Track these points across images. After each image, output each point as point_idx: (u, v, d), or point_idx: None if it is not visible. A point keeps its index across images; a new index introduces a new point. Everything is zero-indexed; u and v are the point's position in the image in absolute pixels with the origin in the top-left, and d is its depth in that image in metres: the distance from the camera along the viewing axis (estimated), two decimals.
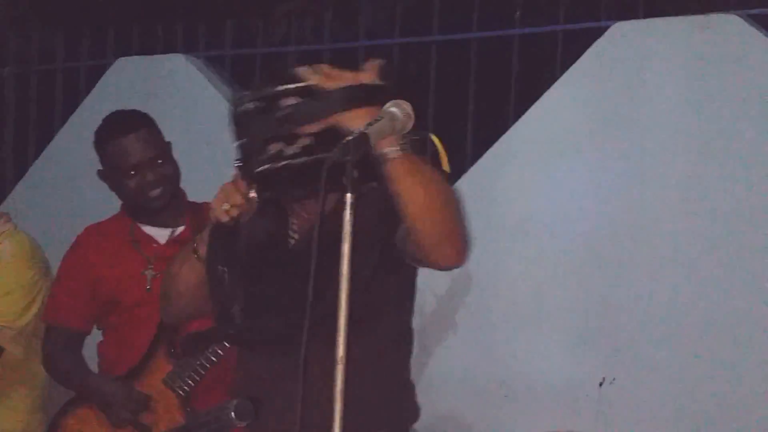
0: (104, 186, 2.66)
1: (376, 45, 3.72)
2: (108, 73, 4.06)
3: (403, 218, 1.69)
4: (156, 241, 2.58)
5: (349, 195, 1.53)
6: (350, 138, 1.55)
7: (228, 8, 4.35)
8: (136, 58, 4.03)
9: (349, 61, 1.81)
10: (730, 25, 3.01)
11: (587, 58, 3.16)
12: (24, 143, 4.50)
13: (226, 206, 1.76)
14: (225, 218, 1.77)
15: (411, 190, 1.65)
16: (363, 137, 1.55)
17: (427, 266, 1.78)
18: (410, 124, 1.63)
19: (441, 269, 1.80)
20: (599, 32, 3.18)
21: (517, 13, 3.35)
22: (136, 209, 2.59)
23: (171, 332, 2.44)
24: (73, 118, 4.15)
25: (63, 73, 4.38)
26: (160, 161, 2.53)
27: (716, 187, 2.96)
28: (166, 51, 4.02)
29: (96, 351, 2.63)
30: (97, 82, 4.12)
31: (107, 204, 3.72)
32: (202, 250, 1.85)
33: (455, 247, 1.70)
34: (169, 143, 2.61)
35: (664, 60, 3.06)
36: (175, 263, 1.92)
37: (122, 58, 4.04)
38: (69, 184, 4.00)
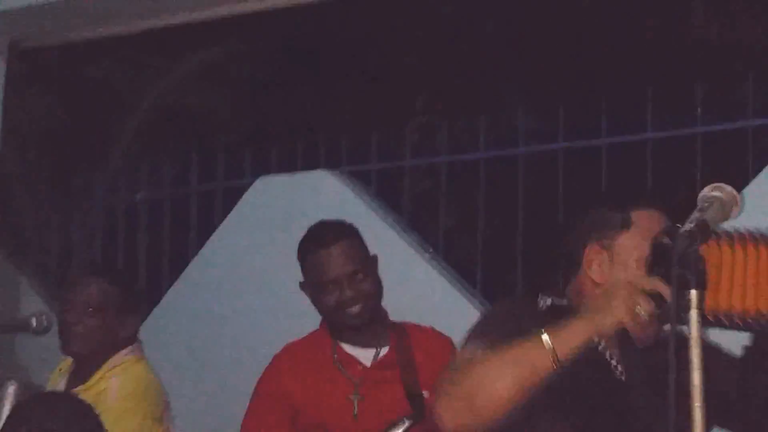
0: (242, 317, 2.61)
1: (535, 151, 3.61)
2: (247, 193, 4.04)
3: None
4: (361, 363, 2.48)
5: (694, 291, 1.44)
6: (690, 227, 1.47)
7: (370, 120, 4.34)
8: (276, 176, 4.01)
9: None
10: None
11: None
12: (158, 271, 4.50)
13: (642, 311, 1.61)
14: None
15: None
16: (703, 224, 1.48)
17: None
18: (737, 209, 1.55)
19: None
20: None
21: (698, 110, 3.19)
22: (337, 327, 2.51)
23: None
24: (209, 244, 4.13)
25: (198, 197, 4.40)
26: (360, 276, 2.47)
27: None
28: (307, 168, 3.99)
29: None
30: (234, 204, 4.11)
31: (246, 335, 3.69)
32: (565, 353, 1.65)
33: None
34: (374, 257, 2.55)
35: None
36: (499, 366, 1.68)
37: (262, 177, 4.02)
38: (205, 314, 3.94)
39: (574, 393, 1.71)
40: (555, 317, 1.76)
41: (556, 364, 1.63)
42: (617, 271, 1.78)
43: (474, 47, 4.69)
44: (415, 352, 2.45)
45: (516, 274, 3.52)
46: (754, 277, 1.56)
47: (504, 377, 1.64)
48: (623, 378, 1.75)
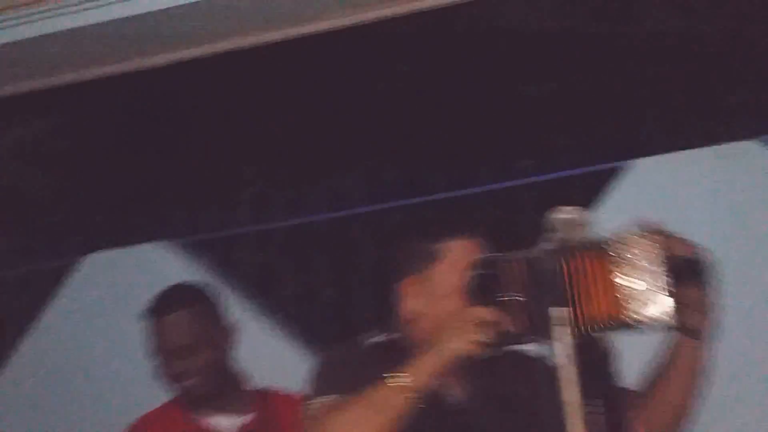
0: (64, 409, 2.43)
1: (372, 211, 3.65)
2: (75, 272, 3.88)
3: (662, 411, 1.75)
4: None
5: (557, 309, 1.48)
6: (545, 247, 1.51)
7: (203, 190, 4.28)
8: (107, 252, 3.87)
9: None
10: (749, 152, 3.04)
11: (606, 199, 3.13)
12: None
13: (483, 338, 1.65)
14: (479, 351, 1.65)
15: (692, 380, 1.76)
16: (560, 242, 1.53)
17: None
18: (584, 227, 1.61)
19: None
20: (616, 173, 3.17)
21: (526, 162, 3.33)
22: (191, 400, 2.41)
23: None
24: (32, 330, 3.92)
25: (18, 280, 4.18)
26: (200, 348, 2.38)
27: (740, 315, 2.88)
28: (139, 241, 3.88)
29: None
30: (59, 285, 3.94)
31: (83, 415, 3.51)
32: (421, 385, 1.65)
33: None
34: (223, 327, 2.46)
35: (688, 193, 3.05)
36: (361, 414, 1.68)
37: (92, 254, 3.88)
38: (24, 413, 3.72)
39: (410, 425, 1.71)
40: (389, 352, 1.81)
41: (413, 401, 1.65)
42: (435, 301, 1.83)
43: (306, 116, 4.73)
44: (280, 418, 2.39)
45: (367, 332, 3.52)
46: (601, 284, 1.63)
47: (368, 424, 1.65)
48: (457, 401, 1.78)
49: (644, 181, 3.12)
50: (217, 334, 2.44)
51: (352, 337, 1.92)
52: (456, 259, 1.83)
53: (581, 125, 3.54)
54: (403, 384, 1.65)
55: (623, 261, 1.63)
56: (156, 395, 2.49)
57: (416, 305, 1.85)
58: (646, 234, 1.65)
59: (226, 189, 4.49)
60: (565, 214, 1.61)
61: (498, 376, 1.80)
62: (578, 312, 1.63)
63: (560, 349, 1.48)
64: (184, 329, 2.38)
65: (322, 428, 1.70)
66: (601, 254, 1.64)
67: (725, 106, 3.50)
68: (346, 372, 1.79)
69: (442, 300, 1.81)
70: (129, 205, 4.21)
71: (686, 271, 1.68)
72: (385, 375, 1.68)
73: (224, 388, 2.41)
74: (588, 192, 3.22)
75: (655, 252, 1.63)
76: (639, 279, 1.62)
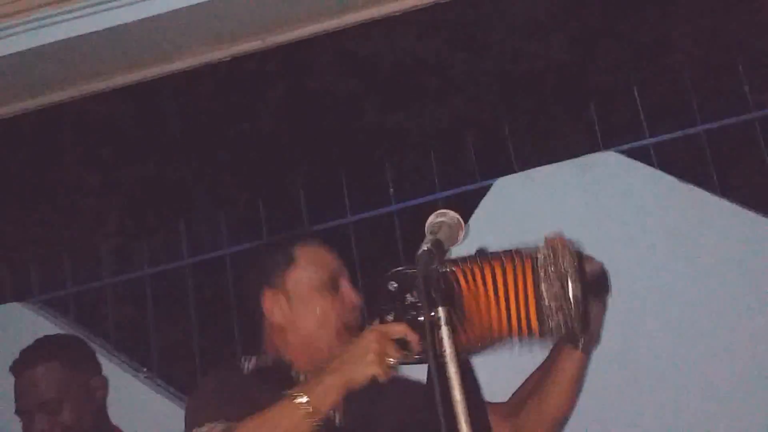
0: None
1: (239, 251, 3.56)
2: None
3: (539, 416, 1.80)
4: None
5: (441, 309, 1.48)
6: (427, 247, 1.51)
7: (60, 244, 4.10)
8: None
9: None
10: (609, 161, 3.10)
11: (476, 219, 3.13)
12: None
13: (392, 361, 1.62)
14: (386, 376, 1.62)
15: (573, 388, 1.80)
16: (437, 242, 1.53)
17: None
18: (462, 233, 1.61)
19: None
20: (482, 193, 3.18)
21: (391, 189, 3.31)
22: None
23: None
24: None
25: None
26: (62, 404, 2.25)
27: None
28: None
29: None
30: None
31: None
32: (325, 409, 1.60)
33: None
34: (93, 379, 2.33)
35: (553, 207, 3.08)
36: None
37: None
38: None
39: None
40: (270, 375, 1.76)
41: (314, 423, 1.60)
42: (297, 307, 1.80)
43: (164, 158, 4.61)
44: None
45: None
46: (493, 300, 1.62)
47: None
48: (342, 423, 1.76)
49: (512, 197, 3.14)
50: (85, 387, 2.31)
51: (229, 363, 1.87)
52: (310, 260, 1.83)
53: (445, 149, 3.56)
54: (304, 404, 1.60)
55: (534, 271, 1.63)
56: None
57: (280, 316, 1.82)
58: (558, 246, 1.65)
59: (85, 244, 4.32)
60: (443, 216, 1.59)
61: (379, 398, 1.76)
62: (462, 329, 1.61)
63: (449, 349, 1.44)
64: (48, 383, 2.26)
65: None
66: (495, 263, 1.62)
67: (581, 121, 3.59)
68: (230, 397, 1.73)
69: (302, 304, 1.79)
70: None
71: (593, 286, 1.70)
72: (285, 393, 1.63)
73: None
74: (459, 212, 3.22)
75: (567, 265, 1.63)
76: (546, 290, 1.61)
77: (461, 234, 1.61)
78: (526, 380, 1.88)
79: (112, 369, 3.36)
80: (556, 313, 1.63)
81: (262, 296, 1.83)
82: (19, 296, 3.64)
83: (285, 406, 1.61)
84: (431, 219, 1.60)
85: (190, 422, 1.71)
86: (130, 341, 3.58)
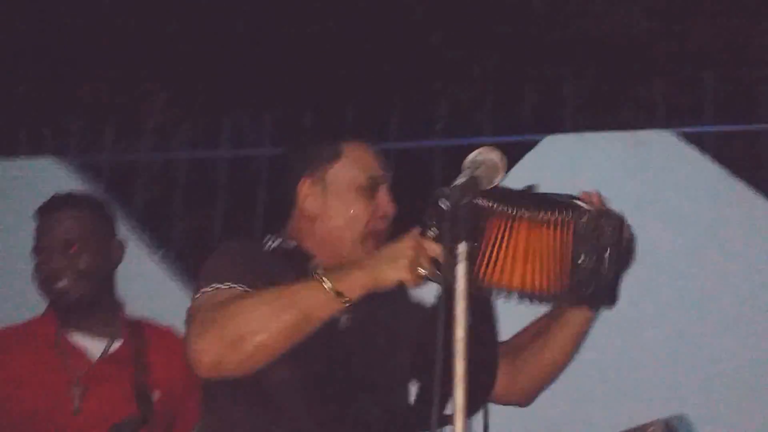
0: None
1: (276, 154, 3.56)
2: None
3: (537, 362, 1.84)
4: (88, 355, 2.27)
5: (462, 244, 1.47)
6: (461, 182, 1.51)
7: (104, 110, 4.12)
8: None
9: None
10: (663, 141, 3.05)
11: (517, 171, 3.10)
12: None
13: (423, 272, 1.61)
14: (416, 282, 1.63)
15: (576, 342, 1.82)
16: (473, 179, 1.52)
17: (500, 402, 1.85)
18: (502, 173, 1.60)
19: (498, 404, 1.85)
20: (529, 146, 3.15)
21: (439, 124, 3.29)
22: (58, 309, 2.28)
23: None
24: None
25: None
26: (76, 249, 2.26)
27: (647, 301, 2.91)
28: (31, 154, 3.71)
29: None
30: None
31: None
32: (352, 295, 1.61)
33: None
34: (113, 239, 2.35)
35: (595, 175, 3.05)
36: (274, 309, 1.61)
37: None
38: None
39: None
40: (285, 258, 1.78)
41: (337, 311, 1.61)
42: (332, 201, 1.82)
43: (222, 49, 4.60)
44: (150, 350, 2.30)
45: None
46: (530, 255, 1.62)
47: (279, 320, 1.60)
48: (348, 324, 1.76)
49: (558, 157, 3.10)
50: (103, 243, 2.34)
51: (253, 237, 1.87)
52: (356, 159, 1.83)
53: (502, 96, 3.52)
54: (328, 288, 1.60)
55: (576, 234, 1.62)
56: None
57: (313, 206, 1.83)
58: (603, 211, 1.64)
59: (132, 114, 4.34)
60: (485, 155, 1.57)
61: (387, 306, 1.79)
62: (484, 267, 1.61)
63: (461, 286, 1.44)
64: (71, 226, 2.28)
65: (224, 312, 1.63)
66: (535, 221, 1.62)
67: (644, 96, 3.53)
68: (253, 265, 1.74)
69: (337, 199, 1.80)
70: (25, 116, 4.04)
71: (624, 253, 1.69)
72: (314, 272, 1.65)
73: (97, 306, 2.30)
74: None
75: (610, 233, 1.62)
76: (584, 253, 1.61)
77: (499, 177, 1.59)
78: (531, 324, 1.88)
79: (130, 242, 3.41)
80: (590, 279, 1.62)
81: (299, 183, 1.83)
82: (57, 152, 3.68)
83: (310, 286, 1.62)
84: (473, 155, 1.58)
85: (210, 277, 1.72)
86: (153, 220, 3.62)
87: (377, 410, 1.74)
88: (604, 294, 1.65)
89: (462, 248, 1.46)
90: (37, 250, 2.29)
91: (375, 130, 3.41)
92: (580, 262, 1.62)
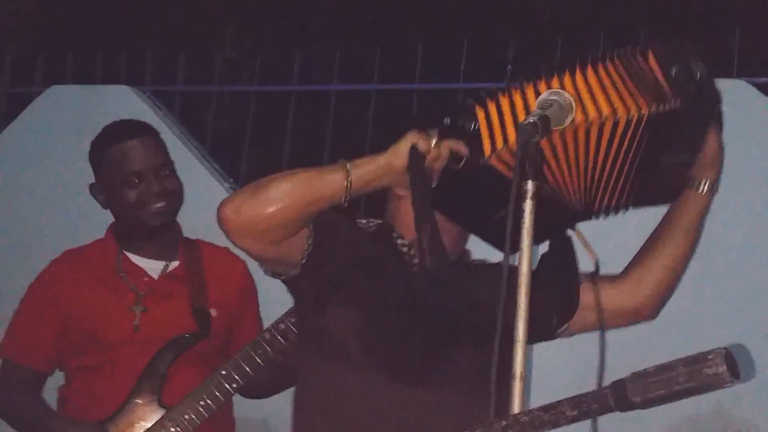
0: (24, 226, 2.34)
1: (347, 90, 3.60)
2: (37, 101, 3.78)
3: (657, 265, 1.83)
4: (148, 275, 2.35)
5: (531, 182, 1.48)
6: (533, 120, 1.50)
7: (179, 41, 4.18)
8: (71, 87, 3.77)
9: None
10: (738, 91, 3.00)
11: None
12: None
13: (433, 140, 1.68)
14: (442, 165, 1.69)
15: (692, 234, 1.82)
16: (545, 118, 1.52)
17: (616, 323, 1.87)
18: (572, 115, 1.61)
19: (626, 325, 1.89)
20: None
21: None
22: (129, 232, 2.36)
23: (158, 378, 2.19)
24: None
25: None
26: (166, 171, 2.34)
27: (720, 255, 2.89)
28: (107, 82, 3.79)
29: (56, 397, 2.33)
30: (20, 112, 3.85)
31: (29, 244, 3.47)
32: (401, 163, 1.69)
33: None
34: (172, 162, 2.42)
35: None
36: (293, 176, 1.73)
37: (55, 87, 3.78)
38: None
39: (366, 281, 1.78)
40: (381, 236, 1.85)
41: (346, 193, 1.68)
42: None
43: None
44: (207, 269, 2.37)
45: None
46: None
47: (293, 183, 1.70)
48: (418, 272, 1.82)
49: None
50: (173, 166, 2.40)
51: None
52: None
53: (572, 39, 3.49)
54: (348, 171, 1.68)
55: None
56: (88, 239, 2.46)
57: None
58: None
59: (202, 47, 4.39)
60: (556, 95, 1.59)
61: (467, 273, 1.86)
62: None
63: (528, 223, 1.46)
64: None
65: (255, 187, 1.72)
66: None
67: (722, 44, 3.47)
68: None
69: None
70: (102, 44, 4.11)
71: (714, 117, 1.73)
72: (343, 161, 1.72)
73: (171, 225, 2.38)
74: None
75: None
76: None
77: (569, 118, 1.60)
78: (648, 239, 1.87)
79: (201, 172, 3.48)
80: (688, 83, 1.65)
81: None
82: (131, 82, 3.75)
83: (333, 166, 1.70)
84: (544, 95, 1.60)
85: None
86: (223, 151, 3.68)
87: (462, 364, 1.79)
88: (707, 93, 1.68)
89: (530, 186, 1.47)
90: (130, 174, 2.32)
91: (445, 70, 3.42)
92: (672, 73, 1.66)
